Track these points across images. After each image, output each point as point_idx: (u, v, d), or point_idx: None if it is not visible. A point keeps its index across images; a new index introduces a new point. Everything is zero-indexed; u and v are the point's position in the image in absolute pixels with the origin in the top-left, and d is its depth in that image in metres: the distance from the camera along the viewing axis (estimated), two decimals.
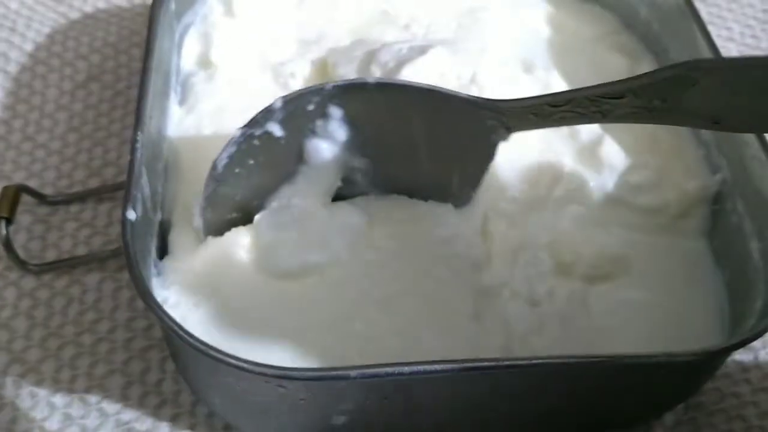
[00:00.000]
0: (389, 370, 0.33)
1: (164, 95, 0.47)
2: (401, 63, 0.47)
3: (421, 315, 0.40)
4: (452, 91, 0.41)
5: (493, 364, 0.35)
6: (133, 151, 0.40)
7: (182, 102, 0.49)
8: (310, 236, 0.42)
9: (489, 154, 0.42)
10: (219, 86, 0.50)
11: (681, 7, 0.50)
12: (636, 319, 0.43)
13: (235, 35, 0.52)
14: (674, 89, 0.34)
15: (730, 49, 0.62)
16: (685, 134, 0.49)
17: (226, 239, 0.42)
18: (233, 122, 0.42)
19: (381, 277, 0.41)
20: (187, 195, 0.44)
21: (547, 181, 0.46)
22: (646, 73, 0.35)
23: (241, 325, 0.39)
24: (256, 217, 0.42)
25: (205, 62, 0.51)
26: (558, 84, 0.51)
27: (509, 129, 0.41)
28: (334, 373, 0.34)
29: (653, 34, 0.54)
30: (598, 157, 0.48)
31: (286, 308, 0.40)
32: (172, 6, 0.49)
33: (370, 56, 0.48)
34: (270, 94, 0.43)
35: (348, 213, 0.43)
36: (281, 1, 0.55)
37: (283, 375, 0.34)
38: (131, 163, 0.39)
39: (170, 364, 0.43)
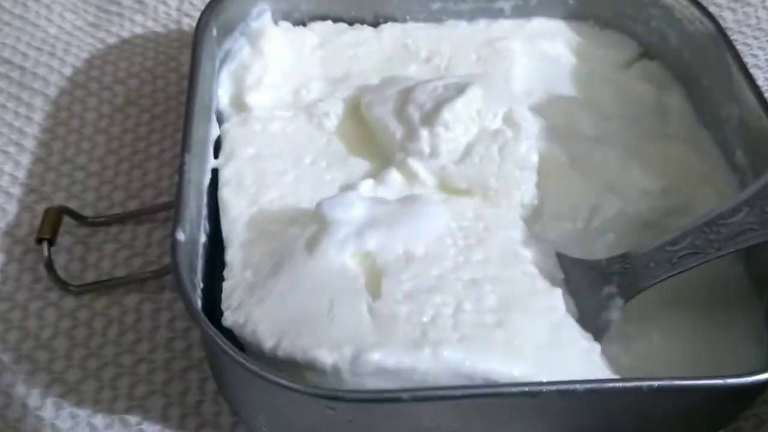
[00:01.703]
0: (442, 393, 0.33)
1: (207, 119, 0.48)
2: (439, 104, 0.46)
3: None
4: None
5: (536, 390, 0.35)
6: (181, 172, 0.40)
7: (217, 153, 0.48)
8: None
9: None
10: (255, 131, 0.49)
11: (713, 35, 0.51)
12: (672, 346, 0.43)
13: (266, 75, 0.52)
14: None
15: (756, 75, 0.62)
16: (718, 159, 0.50)
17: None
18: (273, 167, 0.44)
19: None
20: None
21: (584, 214, 0.47)
22: (756, 182, 0.36)
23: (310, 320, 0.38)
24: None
25: (238, 104, 0.51)
26: (588, 117, 0.52)
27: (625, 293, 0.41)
28: (385, 395, 0.34)
29: (683, 61, 0.54)
30: (630, 184, 0.48)
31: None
32: (214, 32, 0.50)
33: (405, 96, 0.48)
34: (305, 134, 0.46)
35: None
36: (304, 40, 0.55)
37: (332, 396, 0.34)
38: (179, 183, 0.40)
39: (210, 384, 0.44)
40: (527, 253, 0.42)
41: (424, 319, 0.37)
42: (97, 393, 0.43)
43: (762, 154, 0.46)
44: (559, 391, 0.34)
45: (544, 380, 0.35)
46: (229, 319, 0.38)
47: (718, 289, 0.45)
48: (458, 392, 0.33)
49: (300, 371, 0.36)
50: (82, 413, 0.43)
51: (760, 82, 0.63)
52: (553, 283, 0.42)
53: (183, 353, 0.45)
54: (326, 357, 0.35)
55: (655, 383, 0.34)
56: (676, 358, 0.42)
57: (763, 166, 0.46)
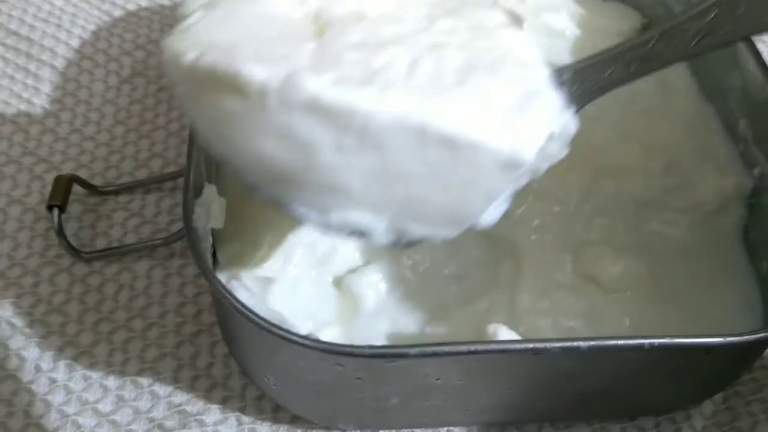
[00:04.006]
0: (448, 348, 0.34)
1: None
2: None
3: None
4: None
5: (540, 345, 0.35)
6: (191, 138, 0.41)
7: None
8: None
9: None
10: None
11: None
12: (669, 316, 0.44)
13: None
14: None
15: (759, 46, 0.63)
16: (719, 133, 0.50)
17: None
18: None
19: None
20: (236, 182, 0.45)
21: (576, 195, 0.47)
22: None
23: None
24: None
25: None
26: None
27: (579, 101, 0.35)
28: (393, 350, 0.35)
29: None
30: (629, 164, 0.49)
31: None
32: None
33: None
34: None
35: None
36: None
37: (341, 351, 0.35)
38: (189, 149, 0.40)
39: (220, 348, 0.45)
40: (503, 33, 0.35)
41: (374, 65, 0.31)
42: (109, 356, 0.44)
43: (765, 123, 0.47)
44: (563, 349, 0.34)
45: (507, 148, 0.30)
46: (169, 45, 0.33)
47: (710, 257, 0.46)
48: (463, 348, 0.34)
49: (220, 96, 0.31)
50: (95, 375, 0.44)
51: (763, 51, 0.63)
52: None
53: (193, 318, 0.46)
54: (254, 72, 0.29)
55: (656, 341, 0.35)
56: (668, 322, 0.43)
57: (766, 134, 0.47)
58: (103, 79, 0.57)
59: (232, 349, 0.42)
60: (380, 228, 0.33)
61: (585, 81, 0.35)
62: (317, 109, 0.30)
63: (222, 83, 0.30)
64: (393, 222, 0.33)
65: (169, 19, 0.61)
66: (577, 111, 0.35)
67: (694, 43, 0.34)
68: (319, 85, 0.29)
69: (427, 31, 0.34)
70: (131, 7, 0.62)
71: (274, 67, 0.30)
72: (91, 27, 0.60)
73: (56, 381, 0.44)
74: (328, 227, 0.33)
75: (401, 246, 0.34)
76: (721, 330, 0.42)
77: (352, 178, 0.31)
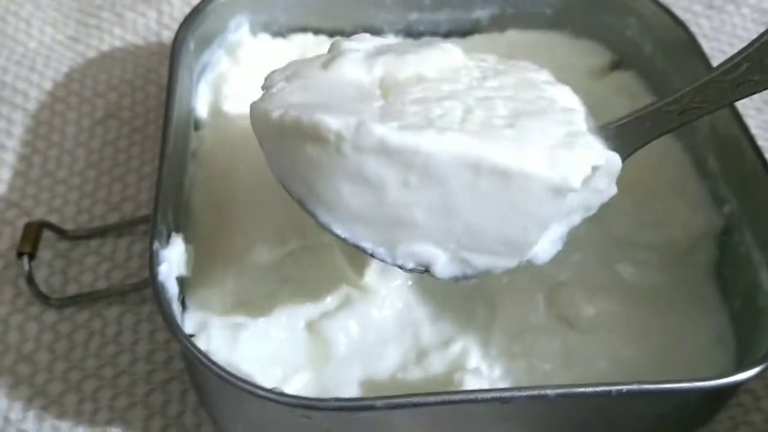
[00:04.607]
0: (415, 400, 0.34)
1: (185, 131, 0.48)
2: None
3: None
4: None
5: (508, 395, 0.35)
6: (158, 185, 0.41)
7: (193, 155, 0.49)
8: None
9: None
10: (230, 136, 0.50)
11: (684, 42, 0.52)
12: (644, 355, 0.44)
13: (244, 85, 0.52)
14: None
15: None
16: (689, 169, 0.50)
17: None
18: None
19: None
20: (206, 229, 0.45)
21: None
22: (755, 40, 0.37)
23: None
24: None
25: (216, 112, 0.52)
26: None
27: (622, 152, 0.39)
28: (359, 403, 0.34)
29: (656, 70, 0.55)
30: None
31: None
32: (191, 46, 0.51)
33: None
34: None
35: None
36: (283, 51, 0.56)
37: (306, 405, 0.34)
38: (156, 196, 0.40)
39: (191, 396, 0.44)
40: (548, 87, 0.40)
41: (432, 114, 0.36)
42: (78, 405, 0.44)
43: (733, 159, 0.47)
44: (529, 397, 0.34)
45: (556, 176, 0.34)
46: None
47: (683, 294, 0.46)
48: (431, 399, 0.34)
49: (302, 145, 0.35)
50: (64, 425, 0.43)
51: None
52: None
53: (164, 365, 0.45)
54: (331, 122, 0.34)
55: (624, 387, 0.35)
56: (643, 359, 0.43)
57: (734, 171, 0.47)
58: (75, 121, 0.57)
59: (202, 399, 0.42)
60: (443, 259, 0.36)
61: (628, 134, 0.39)
62: (385, 151, 0.34)
63: (304, 133, 0.35)
64: (456, 253, 0.36)
65: (143, 60, 0.61)
66: (623, 160, 0.39)
67: (729, 92, 0.38)
68: (386, 131, 0.34)
69: (480, 88, 0.39)
70: (105, 48, 0.62)
71: (348, 118, 0.35)
72: (64, 69, 0.60)
73: None
74: (394, 260, 0.37)
75: (461, 280, 0.37)
76: (697, 367, 0.43)
77: (417, 212, 0.35)
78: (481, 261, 0.37)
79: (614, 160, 0.38)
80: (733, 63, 0.37)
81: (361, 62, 0.39)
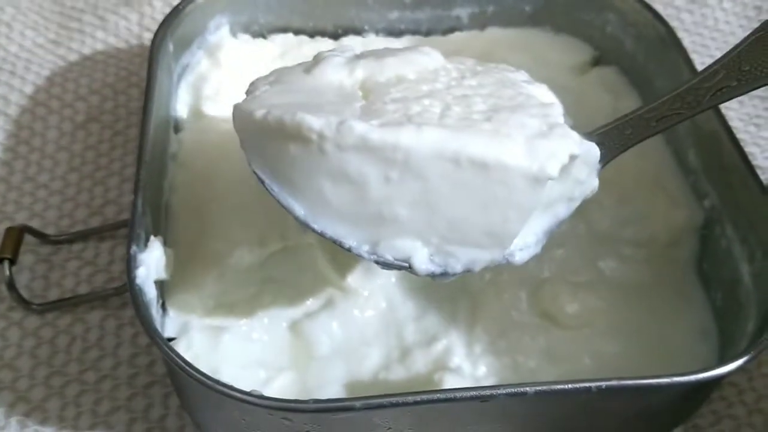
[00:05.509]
0: (394, 400, 0.34)
1: (165, 134, 0.48)
2: None
3: None
4: None
5: (487, 393, 0.35)
6: (136, 189, 0.40)
7: (173, 158, 0.49)
8: None
9: None
10: (210, 138, 0.50)
11: (665, 38, 0.52)
12: (627, 350, 0.44)
13: (224, 86, 0.52)
14: (760, 50, 0.37)
15: None
16: (670, 163, 0.50)
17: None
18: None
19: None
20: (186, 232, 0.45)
21: None
22: (733, 48, 0.38)
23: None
24: None
25: (196, 113, 0.52)
26: None
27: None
28: (339, 404, 0.34)
29: (638, 66, 0.55)
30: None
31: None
32: (171, 47, 0.51)
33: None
34: None
35: None
36: (264, 51, 0.56)
37: (286, 407, 0.34)
38: (135, 200, 0.40)
39: (173, 399, 0.44)
40: (526, 86, 0.41)
41: (411, 111, 0.37)
42: (61, 410, 0.44)
43: (713, 154, 0.47)
44: (508, 395, 0.34)
45: (533, 165, 0.34)
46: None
47: (666, 289, 0.46)
48: (410, 399, 0.34)
49: (284, 145, 0.36)
50: (47, 431, 0.43)
51: None
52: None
53: (146, 369, 0.45)
54: (313, 121, 0.35)
55: (604, 384, 0.35)
56: (627, 355, 0.43)
57: (714, 165, 0.47)
58: (57, 125, 0.57)
59: (184, 402, 0.42)
60: (424, 254, 0.37)
61: (610, 141, 0.41)
62: (366, 148, 0.35)
63: (287, 133, 0.36)
64: (439, 247, 0.37)
65: (125, 63, 0.61)
66: (604, 166, 0.40)
67: (706, 99, 0.39)
68: (367, 128, 0.35)
69: (459, 87, 0.39)
70: (86, 51, 0.62)
71: (329, 117, 0.35)
72: (46, 72, 0.60)
73: None
74: (377, 257, 0.37)
75: (438, 278, 0.37)
76: (680, 361, 0.43)
77: (399, 208, 0.36)
78: (464, 254, 0.37)
79: (592, 150, 0.38)
80: (712, 70, 0.38)
81: (343, 66, 0.40)
